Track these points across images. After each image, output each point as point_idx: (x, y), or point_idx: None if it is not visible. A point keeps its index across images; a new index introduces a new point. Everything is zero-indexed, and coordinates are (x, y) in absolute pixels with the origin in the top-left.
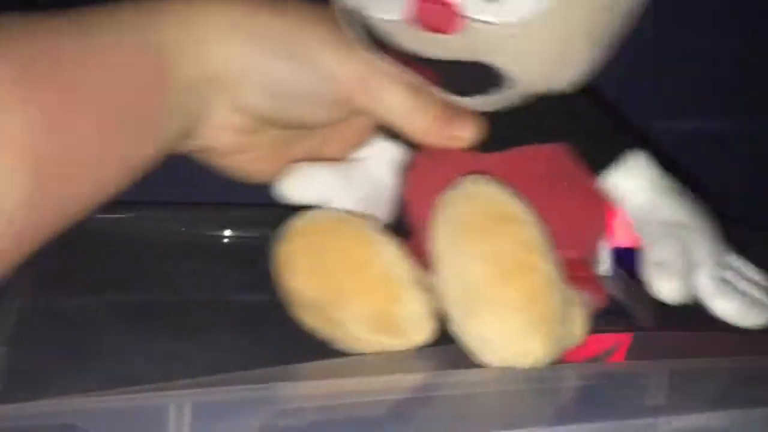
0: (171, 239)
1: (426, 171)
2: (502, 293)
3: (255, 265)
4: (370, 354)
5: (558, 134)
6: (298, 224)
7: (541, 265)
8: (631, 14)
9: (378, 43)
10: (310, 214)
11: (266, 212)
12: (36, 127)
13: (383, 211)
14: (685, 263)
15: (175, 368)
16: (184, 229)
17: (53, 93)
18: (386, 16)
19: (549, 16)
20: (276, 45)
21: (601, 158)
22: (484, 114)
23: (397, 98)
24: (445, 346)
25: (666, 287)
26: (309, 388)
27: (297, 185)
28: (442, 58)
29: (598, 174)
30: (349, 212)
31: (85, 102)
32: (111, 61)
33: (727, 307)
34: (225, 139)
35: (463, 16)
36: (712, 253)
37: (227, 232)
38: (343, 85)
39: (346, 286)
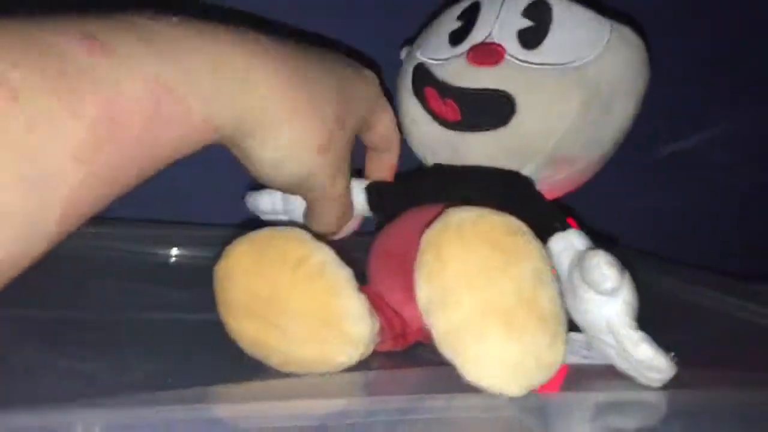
0: (113, 256)
1: (384, 233)
2: (504, 322)
3: (198, 284)
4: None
5: (507, 206)
6: (237, 241)
7: (542, 298)
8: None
9: (418, 82)
10: (250, 233)
11: (216, 232)
12: (83, 142)
13: None
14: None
15: (88, 388)
16: (127, 246)
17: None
18: (439, 56)
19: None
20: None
21: (539, 233)
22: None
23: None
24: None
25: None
26: (232, 411)
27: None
28: (471, 88)
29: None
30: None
31: (138, 154)
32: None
33: (650, 354)
34: None
35: (506, 55)
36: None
37: (174, 251)
38: (381, 135)
39: (285, 284)
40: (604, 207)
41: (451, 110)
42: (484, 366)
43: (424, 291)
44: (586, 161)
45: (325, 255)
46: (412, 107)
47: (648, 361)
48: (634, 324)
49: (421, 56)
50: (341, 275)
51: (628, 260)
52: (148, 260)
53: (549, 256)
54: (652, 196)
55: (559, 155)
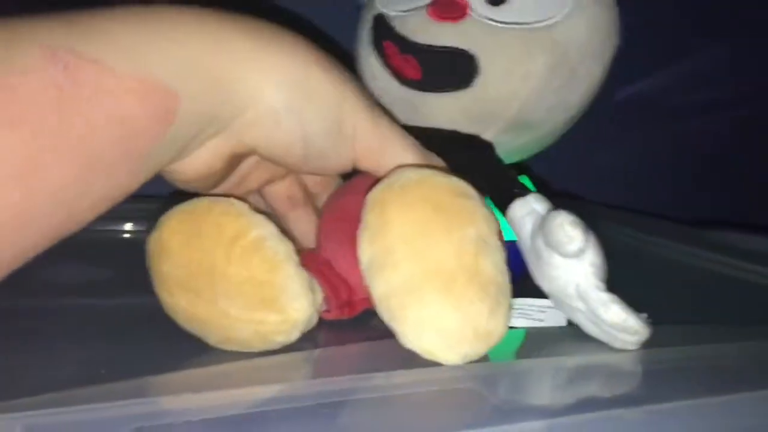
0: None
1: (335, 196)
2: (443, 287)
3: None
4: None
5: (465, 171)
6: (171, 212)
7: (485, 264)
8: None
9: (377, 35)
10: (185, 202)
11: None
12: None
13: None
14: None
15: (11, 385)
16: None
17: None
18: (399, 7)
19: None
20: (316, 103)
21: (500, 200)
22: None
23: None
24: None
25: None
26: (165, 404)
27: None
28: (433, 45)
29: (501, 210)
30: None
31: (67, 149)
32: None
33: (622, 316)
34: (206, 168)
35: (470, 11)
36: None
37: (128, 227)
38: (359, 151)
39: (220, 260)
40: (563, 161)
41: (412, 67)
42: (421, 332)
43: (366, 252)
44: (551, 126)
45: (263, 229)
46: (371, 62)
47: (621, 323)
48: (603, 286)
49: (380, 6)
50: (279, 250)
51: (591, 216)
52: (97, 238)
53: (510, 224)
54: (611, 145)
55: (523, 120)
